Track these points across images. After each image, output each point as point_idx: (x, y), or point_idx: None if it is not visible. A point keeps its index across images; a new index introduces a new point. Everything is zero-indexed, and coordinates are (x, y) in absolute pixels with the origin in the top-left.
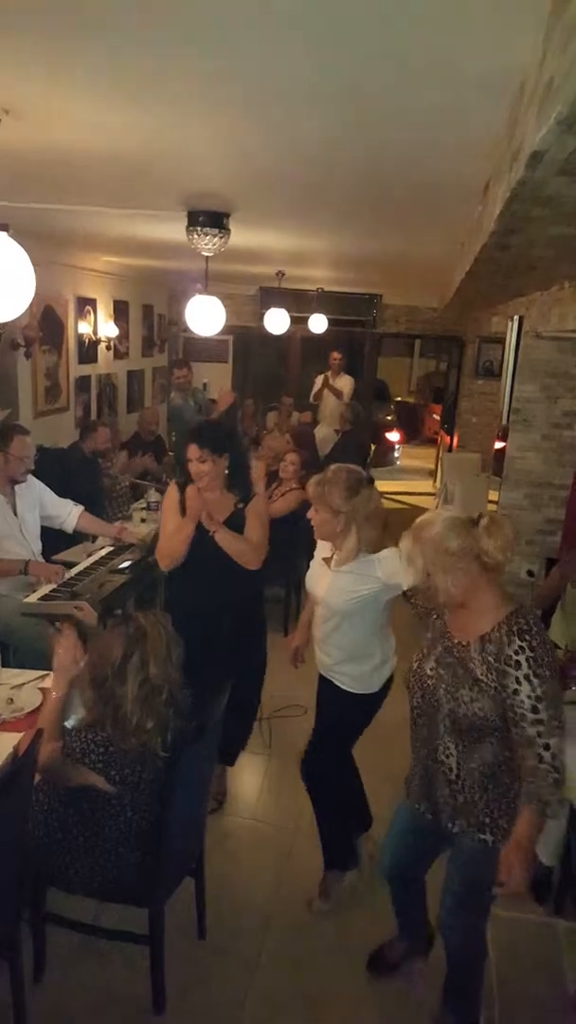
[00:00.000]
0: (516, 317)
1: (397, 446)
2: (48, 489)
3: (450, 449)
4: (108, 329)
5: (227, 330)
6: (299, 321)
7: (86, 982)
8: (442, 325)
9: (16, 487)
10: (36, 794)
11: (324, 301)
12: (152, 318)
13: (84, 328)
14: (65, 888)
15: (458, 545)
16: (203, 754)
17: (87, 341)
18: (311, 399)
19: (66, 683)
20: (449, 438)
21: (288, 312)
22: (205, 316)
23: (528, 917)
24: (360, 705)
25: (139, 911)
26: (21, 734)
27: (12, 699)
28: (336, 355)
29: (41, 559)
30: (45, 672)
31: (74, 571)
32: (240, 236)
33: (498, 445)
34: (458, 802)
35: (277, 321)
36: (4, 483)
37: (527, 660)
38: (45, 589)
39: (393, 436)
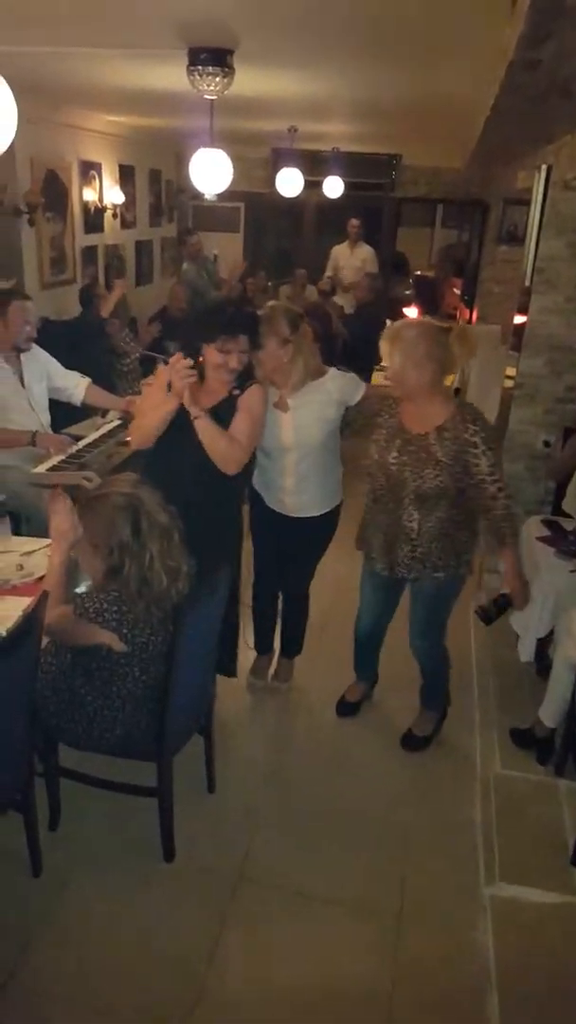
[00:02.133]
0: (544, 167)
1: None
2: (54, 360)
3: (470, 324)
4: (114, 195)
5: (238, 196)
6: (313, 185)
7: (99, 833)
8: (465, 188)
9: (22, 357)
10: (44, 656)
11: (340, 162)
12: (160, 184)
13: (89, 195)
14: (75, 745)
15: (427, 347)
16: (206, 618)
17: (92, 209)
18: (327, 273)
19: (66, 548)
20: (469, 312)
21: (302, 175)
22: (211, 172)
23: (530, 777)
24: (337, 512)
25: (149, 766)
26: (31, 598)
27: (22, 565)
28: (355, 222)
29: (50, 431)
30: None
31: (82, 443)
32: (247, 80)
33: (518, 319)
34: (416, 554)
35: (290, 182)
36: (8, 351)
37: (481, 439)
38: (54, 460)
39: (410, 312)
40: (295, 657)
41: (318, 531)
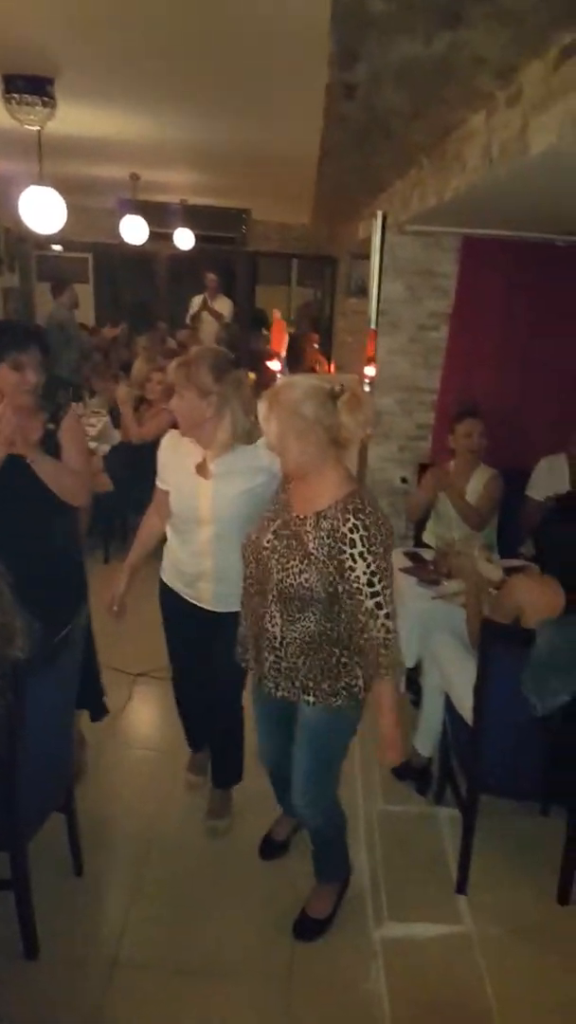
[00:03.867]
0: (380, 214)
1: (279, 375)
2: None
3: (328, 374)
4: None
5: (85, 247)
6: (163, 237)
7: None
8: (315, 243)
9: None
10: None
11: (189, 215)
12: None
13: None
14: None
15: (313, 412)
16: (56, 679)
17: None
18: (187, 321)
19: None
20: (328, 364)
21: (151, 227)
22: (44, 212)
23: (411, 809)
24: None
25: (2, 855)
26: None
27: None
28: (212, 276)
29: None
30: None
31: None
32: (75, 115)
33: (369, 371)
34: (281, 667)
35: (135, 230)
36: None
37: (361, 538)
38: None
39: (274, 365)
40: (232, 787)
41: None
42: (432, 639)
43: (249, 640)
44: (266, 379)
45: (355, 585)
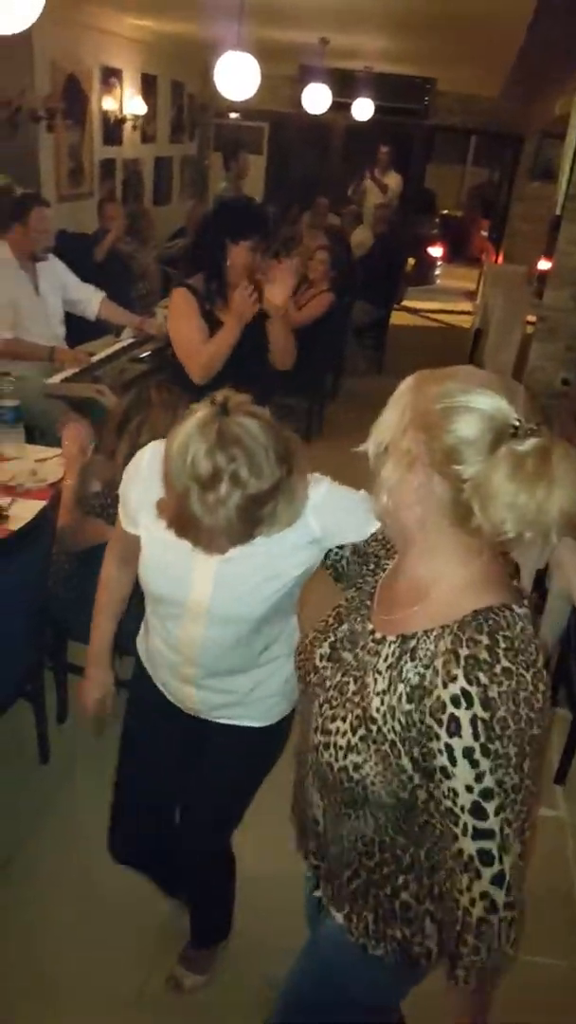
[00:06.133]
0: None
1: (439, 263)
2: (70, 272)
3: (496, 263)
4: (135, 106)
5: (263, 115)
6: (342, 108)
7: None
8: (501, 119)
9: (38, 266)
10: (57, 555)
11: (371, 84)
12: (182, 98)
13: (109, 104)
14: (84, 641)
15: (456, 442)
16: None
17: (112, 119)
18: (350, 192)
19: (76, 472)
20: (495, 255)
21: (331, 95)
22: (238, 77)
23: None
24: (281, 731)
25: None
26: (44, 502)
27: (35, 471)
28: (385, 149)
29: (65, 344)
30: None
31: (96, 358)
32: None
33: (543, 265)
34: (323, 866)
35: (317, 98)
36: (25, 260)
37: (474, 722)
38: (68, 372)
39: (435, 251)
40: (217, 945)
41: (241, 752)
42: (557, 546)
43: (296, 786)
44: (425, 264)
45: (446, 804)
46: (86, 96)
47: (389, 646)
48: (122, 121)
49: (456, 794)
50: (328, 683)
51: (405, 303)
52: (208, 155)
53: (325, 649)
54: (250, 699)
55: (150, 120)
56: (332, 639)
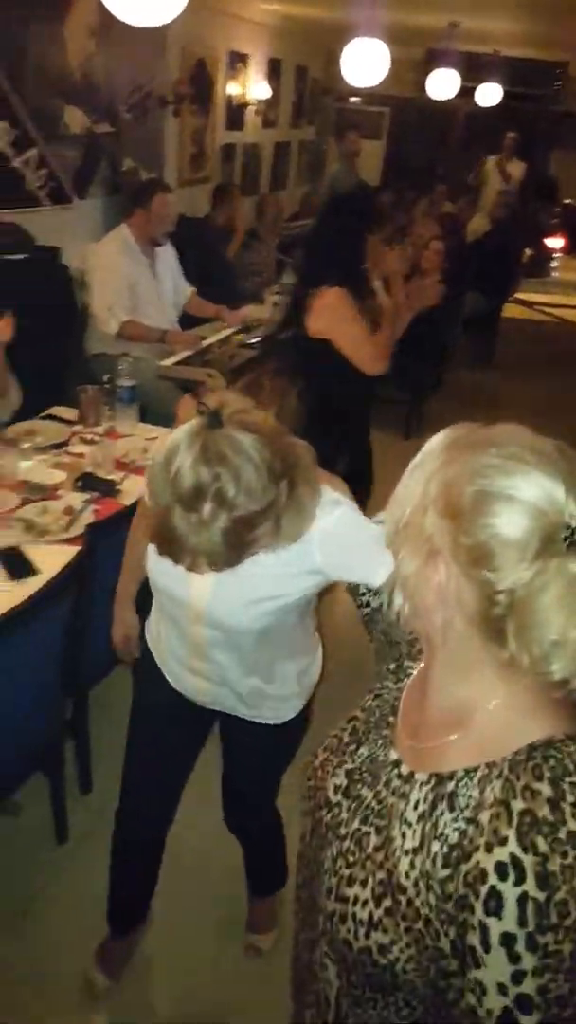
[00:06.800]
0: None
1: (557, 254)
2: (177, 259)
3: None
4: (259, 90)
5: (384, 100)
6: (466, 93)
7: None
8: None
9: (156, 250)
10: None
11: (499, 68)
12: (305, 83)
13: (234, 89)
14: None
15: (494, 535)
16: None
17: (236, 104)
18: (469, 179)
19: None
20: None
21: (459, 80)
22: (365, 62)
23: None
24: (297, 725)
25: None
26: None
27: (146, 449)
28: (512, 134)
29: (178, 327)
30: (171, 430)
31: (207, 342)
32: None
33: None
34: None
35: (444, 83)
36: (145, 244)
37: (522, 901)
38: (180, 355)
39: (555, 242)
40: (275, 893)
41: (257, 743)
42: None
43: (294, 957)
44: (542, 255)
45: (469, 1000)
46: (212, 81)
47: (420, 788)
48: (245, 106)
49: (484, 991)
50: (343, 829)
51: (518, 295)
52: (327, 140)
53: (340, 779)
54: (262, 698)
55: (272, 105)
56: (349, 766)
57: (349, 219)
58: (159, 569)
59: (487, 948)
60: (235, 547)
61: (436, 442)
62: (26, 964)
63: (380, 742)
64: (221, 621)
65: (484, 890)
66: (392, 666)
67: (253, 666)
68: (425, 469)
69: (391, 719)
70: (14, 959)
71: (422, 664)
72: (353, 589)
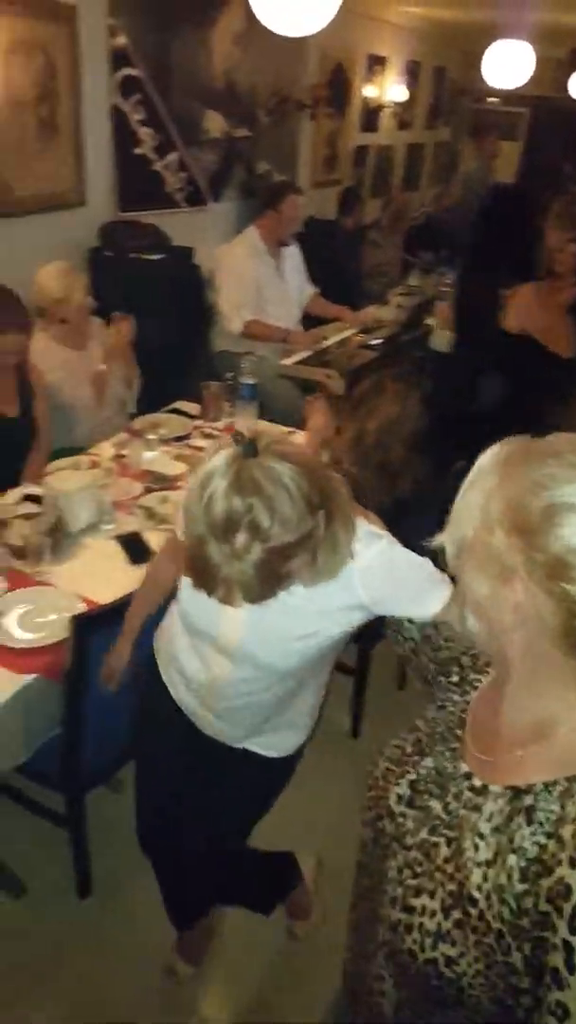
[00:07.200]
0: None
1: None
2: (303, 260)
3: None
4: (396, 93)
5: (524, 101)
6: None
7: None
8: None
9: (283, 250)
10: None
11: None
12: (443, 84)
13: (371, 91)
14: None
15: (568, 545)
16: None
17: (371, 106)
18: None
19: (318, 443)
20: None
21: None
22: (509, 64)
23: None
24: (290, 763)
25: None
26: None
27: None
28: None
29: (301, 327)
30: (291, 429)
31: (327, 342)
32: None
33: None
34: None
35: None
36: (273, 244)
37: None
38: (300, 355)
39: None
40: (278, 903)
41: (249, 776)
42: None
43: (349, 964)
44: None
45: (553, 1022)
46: (349, 84)
47: (495, 800)
48: (380, 108)
49: (567, 1014)
50: (410, 839)
51: None
52: (462, 141)
53: (404, 789)
54: (267, 731)
55: (408, 107)
56: (412, 777)
57: (525, 214)
58: (192, 600)
59: (571, 969)
60: (269, 579)
61: (488, 459)
62: (124, 935)
63: (447, 754)
64: (255, 659)
65: (568, 907)
66: (455, 679)
67: (268, 705)
68: (481, 488)
69: (458, 732)
70: (109, 930)
71: (490, 676)
72: (394, 623)
